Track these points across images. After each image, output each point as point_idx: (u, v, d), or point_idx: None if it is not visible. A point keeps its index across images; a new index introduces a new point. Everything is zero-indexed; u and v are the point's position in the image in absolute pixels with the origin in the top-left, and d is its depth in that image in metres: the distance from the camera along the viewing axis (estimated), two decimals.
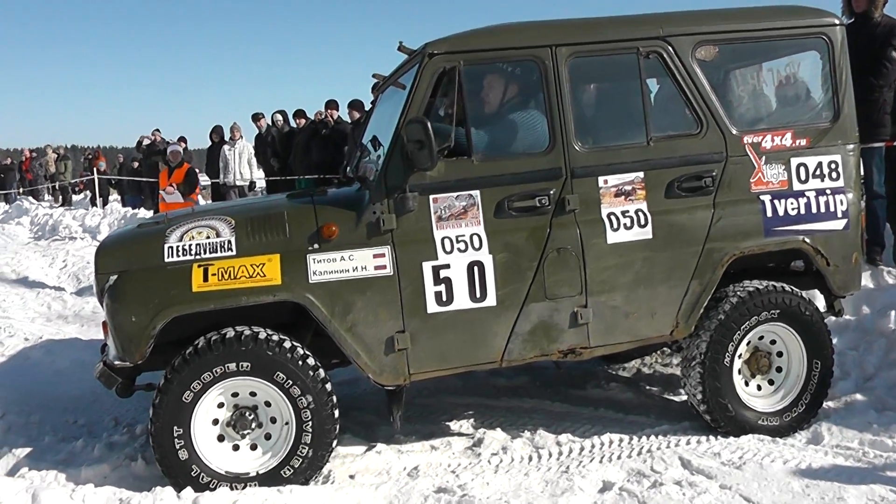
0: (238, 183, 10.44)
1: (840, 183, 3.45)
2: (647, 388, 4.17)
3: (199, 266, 2.89)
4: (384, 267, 2.98)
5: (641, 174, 3.22)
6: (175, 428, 2.85)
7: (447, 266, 3.02)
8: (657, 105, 3.45)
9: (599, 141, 3.29)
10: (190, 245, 2.94)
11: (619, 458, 3.19)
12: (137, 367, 3.05)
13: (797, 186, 3.40)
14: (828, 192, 3.42)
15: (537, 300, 3.11)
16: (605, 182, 3.19)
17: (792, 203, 3.37)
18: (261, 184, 11.21)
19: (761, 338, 3.43)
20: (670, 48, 3.24)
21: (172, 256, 2.92)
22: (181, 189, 7.99)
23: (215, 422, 2.96)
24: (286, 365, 2.91)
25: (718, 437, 3.31)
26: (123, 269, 2.91)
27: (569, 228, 3.14)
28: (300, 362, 2.93)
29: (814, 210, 3.39)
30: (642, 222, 3.21)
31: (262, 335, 2.91)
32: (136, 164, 14.10)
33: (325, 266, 2.94)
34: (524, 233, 3.10)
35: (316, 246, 2.96)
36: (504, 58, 3.20)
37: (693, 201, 3.27)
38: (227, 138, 10.83)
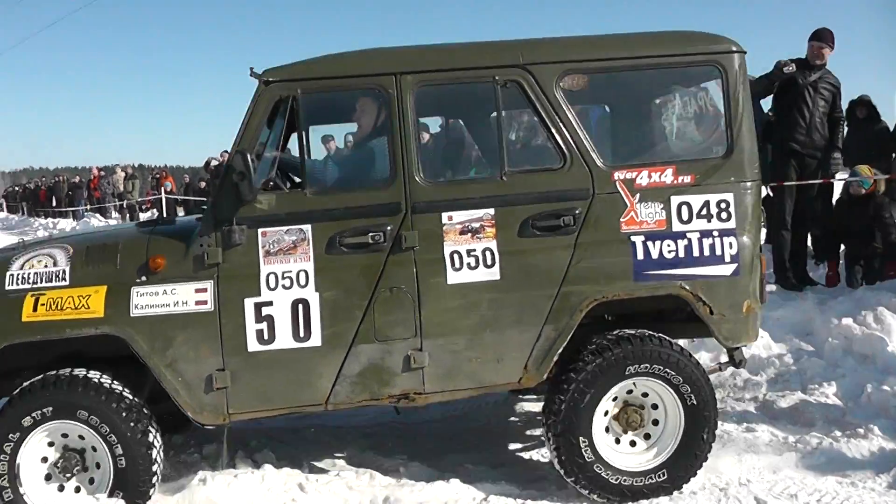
0: None
1: (730, 224, 3.08)
2: (721, 423, 3.85)
3: (32, 295, 2.92)
4: (205, 302, 2.91)
5: (492, 211, 2.99)
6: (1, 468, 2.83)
7: (270, 303, 2.92)
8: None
9: (447, 174, 3.10)
10: (28, 274, 2.97)
11: (692, 493, 3.06)
12: None
13: (677, 227, 3.06)
14: (715, 233, 3.06)
15: (366, 341, 2.94)
16: (450, 218, 2.99)
17: (669, 245, 3.03)
18: None
19: (630, 391, 3.08)
20: (531, 77, 3.02)
21: (12, 284, 2.96)
22: None
23: (44, 459, 2.92)
24: (99, 408, 2.85)
25: (795, 477, 3.16)
26: None
27: (405, 267, 2.95)
28: (114, 404, 2.86)
29: (696, 253, 3.04)
30: (489, 262, 2.98)
31: (68, 376, 2.87)
32: (203, 185, 14.74)
33: (148, 300, 2.90)
34: (355, 270, 2.95)
35: (143, 278, 2.93)
36: (345, 86, 3.07)
37: (551, 241, 3.00)
38: None
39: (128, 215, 18.00)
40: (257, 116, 2.95)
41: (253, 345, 2.91)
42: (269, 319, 2.91)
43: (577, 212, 3.01)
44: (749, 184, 3.10)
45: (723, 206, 3.08)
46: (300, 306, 2.92)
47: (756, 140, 3.18)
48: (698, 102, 3.31)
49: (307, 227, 2.95)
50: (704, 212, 3.07)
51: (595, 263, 2.99)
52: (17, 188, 33.90)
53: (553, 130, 3.02)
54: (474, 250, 2.98)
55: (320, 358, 2.93)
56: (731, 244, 3.05)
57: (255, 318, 2.91)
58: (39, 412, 2.84)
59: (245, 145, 2.90)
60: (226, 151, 14.47)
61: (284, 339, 2.91)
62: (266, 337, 2.91)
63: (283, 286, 2.92)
